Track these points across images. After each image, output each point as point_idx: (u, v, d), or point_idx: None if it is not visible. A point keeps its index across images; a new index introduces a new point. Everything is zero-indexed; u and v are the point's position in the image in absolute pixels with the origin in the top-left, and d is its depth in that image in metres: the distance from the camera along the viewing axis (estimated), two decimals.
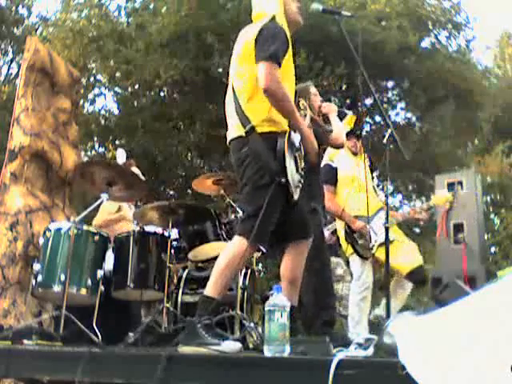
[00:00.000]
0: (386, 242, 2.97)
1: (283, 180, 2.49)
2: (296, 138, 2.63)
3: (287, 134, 2.54)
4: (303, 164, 2.73)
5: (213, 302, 2.42)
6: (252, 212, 2.49)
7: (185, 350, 2.25)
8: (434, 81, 11.61)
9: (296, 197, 2.61)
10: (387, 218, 2.89)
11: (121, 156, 4.74)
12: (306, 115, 3.41)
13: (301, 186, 2.68)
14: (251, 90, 2.56)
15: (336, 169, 4.39)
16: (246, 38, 2.65)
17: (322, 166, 4.54)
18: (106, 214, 4.49)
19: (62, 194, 4.64)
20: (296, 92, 3.73)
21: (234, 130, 2.64)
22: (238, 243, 2.48)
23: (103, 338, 2.97)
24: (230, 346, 2.23)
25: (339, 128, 3.67)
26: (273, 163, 2.49)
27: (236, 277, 3.73)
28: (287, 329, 1.93)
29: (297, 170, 2.62)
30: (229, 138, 2.69)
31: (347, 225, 4.29)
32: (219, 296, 2.45)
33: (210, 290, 2.43)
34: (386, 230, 2.89)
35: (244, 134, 2.56)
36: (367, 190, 3.80)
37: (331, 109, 3.75)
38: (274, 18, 2.62)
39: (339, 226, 4.46)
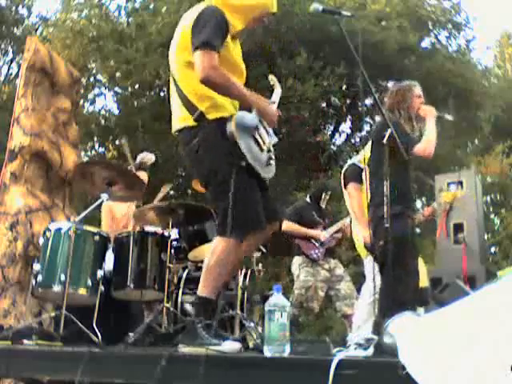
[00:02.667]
0: (386, 243, 2.96)
1: (243, 163, 2.41)
2: (250, 118, 2.54)
3: (235, 117, 2.45)
4: (272, 140, 2.65)
5: (208, 302, 2.40)
6: (226, 207, 2.38)
7: (185, 350, 2.24)
8: (434, 81, 11.62)
9: (268, 175, 2.57)
10: (387, 219, 2.88)
11: (148, 159, 4.68)
12: (274, 90, 3.17)
13: (273, 162, 2.61)
14: (192, 77, 2.44)
15: (363, 170, 4.32)
16: (183, 26, 2.54)
17: (348, 165, 4.50)
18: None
19: (61, 194, 4.64)
20: (400, 89, 3.54)
21: (180, 120, 2.53)
22: (220, 243, 2.40)
23: (103, 338, 2.97)
24: (230, 346, 2.23)
25: (431, 137, 3.40)
26: (227, 149, 2.41)
27: (236, 277, 3.73)
28: (287, 329, 1.93)
29: (261, 150, 2.55)
30: (174, 129, 2.58)
31: None
32: (213, 295, 2.42)
33: (203, 290, 2.41)
34: (386, 230, 2.88)
35: (193, 123, 2.46)
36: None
37: (430, 113, 3.48)
38: (211, 5, 2.52)
39: (357, 227, 4.41)
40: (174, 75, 2.58)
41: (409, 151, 3.34)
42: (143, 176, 4.43)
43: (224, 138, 2.42)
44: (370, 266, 4.25)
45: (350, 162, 4.54)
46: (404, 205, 3.32)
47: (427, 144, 3.39)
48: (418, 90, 3.57)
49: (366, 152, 4.23)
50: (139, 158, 4.72)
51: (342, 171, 4.51)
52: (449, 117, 3.68)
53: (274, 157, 2.64)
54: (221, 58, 2.40)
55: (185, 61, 2.50)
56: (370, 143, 3.75)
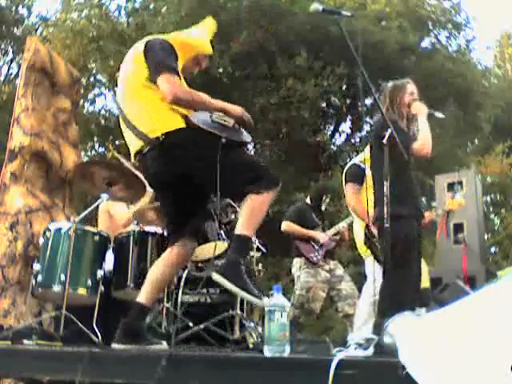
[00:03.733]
0: (386, 244, 2.95)
1: (223, 140, 2.46)
2: (202, 115, 2.61)
3: (189, 117, 2.54)
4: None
5: (249, 240, 2.41)
6: (247, 169, 2.48)
7: (221, 280, 2.22)
8: (434, 81, 11.62)
9: (248, 138, 2.66)
10: (387, 219, 2.88)
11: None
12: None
13: (242, 129, 2.68)
14: (140, 103, 2.56)
15: (364, 170, 4.31)
16: (134, 55, 2.65)
17: (349, 165, 4.50)
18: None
19: (61, 194, 4.65)
20: (393, 88, 3.52)
21: (138, 143, 2.59)
22: (262, 197, 2.42)
23: (103, 338, 2.97)
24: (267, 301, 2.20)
25: (425, 135, 3.34)
26: (204, 140, 2.47)
27: None
28: (287, 329, 1.93)
29: (227, 128, 2.62)
30: (134, 152, 2.64)
31: (367, 228, 4.24)
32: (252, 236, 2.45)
33: (243, 229, 2.39)
34: (387, 230, 2.87)
35: (159, 139, 2.51)
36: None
37: (421, 110, 3.43)
38: (155, 37, 2.67)
39: (359, 227, 4.41)
40: (123, 109, 2.65)
41: (407, 148, 3.29)
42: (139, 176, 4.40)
43: (191, 136, 2.50)
44: (370, 265, 4.25)
45: (351, 162, 4.55)
46: (409, 206, 3.30)
47: (424, 142, 3.35)
48: (411, 87, 3.55)
49: (366, 152, 4.23)
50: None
51: (344, 171, 4.52)
52: (439, 114, 3.65)
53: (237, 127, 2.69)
54: None
55: (135, 90, 2.59)
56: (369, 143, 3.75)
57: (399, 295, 3.07)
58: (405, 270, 3.13)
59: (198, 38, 2.81)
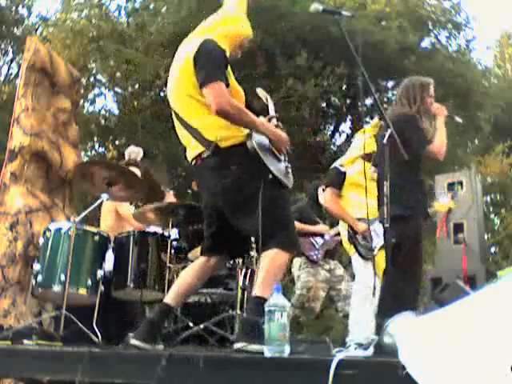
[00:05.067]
0: (386, 243, 2.96)
1: (270, 176, 2.47)
2: (261, 136, 2.58)
3: (251, 137, 2.49)
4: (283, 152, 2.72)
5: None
6: (274, 221, 2.41)
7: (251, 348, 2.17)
8: (433, 81, 11.60)
9: (290, 184, 2.61)
10: (387, 219, 2.88)
11: (136, 154, 4.62)
12: (268, 103, 3.05)
13: (290, 171, 2.67)
14: (199, 111, 2.50)
15: (344, 173, 4.38)
16: (185, 55, 2.55)
17: (331, 168, 4.59)
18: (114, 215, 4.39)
19: (61, 194, 4.64)
20: (422, 85, 3.56)
21: (198, 147, 2.54)
22: (278, 256, 2.39)
23: (103, 338, 2.97)
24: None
25: (442, 138, 3.40)
26: (256, 169, 2.46)
27: (236, 277, 3.74)
28: (287, 329, 1.93)
29: (279, 161, 2.62)
30: (194, 156, 2.58)
31: (350, 226, 4.28)
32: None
33: (263, 291, 2.33)
34: (386, 230, 2.88)
35: (212, 151, 2.48)
36: (367, 192, 3.67)
37: (442, 112, 3.51)
38: (208, 40, 2.55)
39: (342, 227, 4.45)
40: (178, 110, 2.60)
41: (422, 148, 3.35)
42: (136, 172, 4.40)
43: (247, 159, 2.46)
44: (357, 263, 4.27)
45: (333, 164, 4.60)
46: (411, 207, 3.29)
47: (441, 145, 3.41)
48: (432, 88, 3.62)
49: (347, 155, 4.33)
50: (127, 153, 4.69)
51: (328, 173, 4.62)
52: (458, 119, 3.72)
53: (289, 166, 2.70)
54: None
55: (188, 95, 2.51)
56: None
57: (401, 295, 3.07)
58: (407, 270, 3.14)
59: (243, 24, 2.72)
